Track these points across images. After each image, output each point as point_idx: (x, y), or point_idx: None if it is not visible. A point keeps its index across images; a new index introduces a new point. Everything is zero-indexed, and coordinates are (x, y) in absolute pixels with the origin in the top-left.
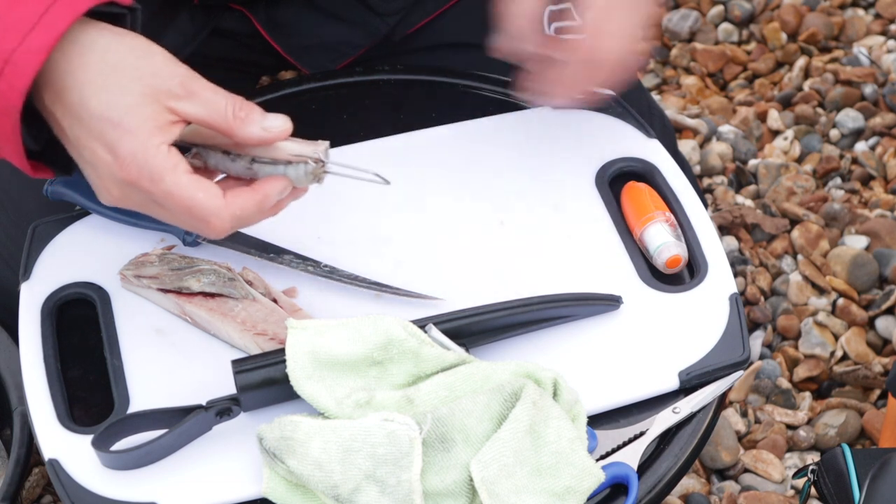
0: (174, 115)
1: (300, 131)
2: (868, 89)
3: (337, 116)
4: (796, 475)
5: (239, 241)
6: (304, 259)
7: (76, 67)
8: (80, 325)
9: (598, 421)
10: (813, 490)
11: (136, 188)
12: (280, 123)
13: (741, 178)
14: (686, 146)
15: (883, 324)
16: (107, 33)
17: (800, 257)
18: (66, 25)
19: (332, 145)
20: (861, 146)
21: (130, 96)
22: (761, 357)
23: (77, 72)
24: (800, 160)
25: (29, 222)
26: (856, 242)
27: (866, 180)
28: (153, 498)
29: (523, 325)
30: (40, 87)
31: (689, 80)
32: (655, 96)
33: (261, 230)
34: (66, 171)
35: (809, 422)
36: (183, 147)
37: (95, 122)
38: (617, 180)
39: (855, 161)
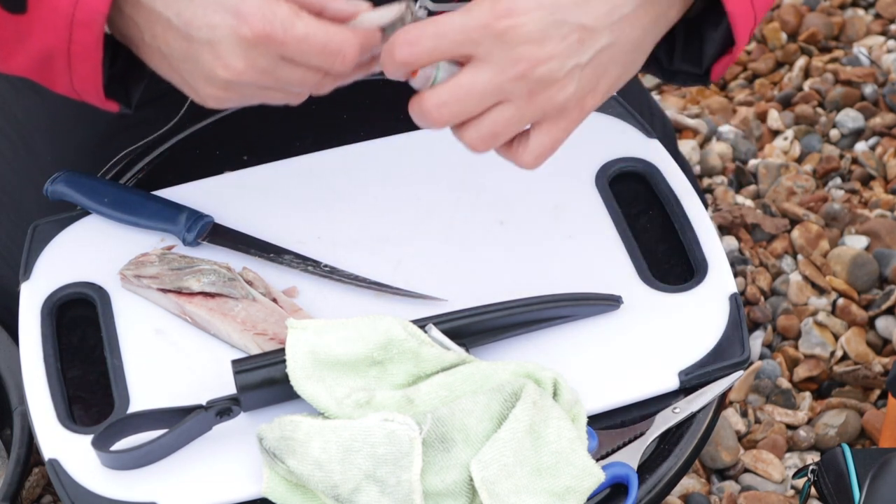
0: None
1: (300, 131)
2: (868, 89)
3: (337, 116)
4: (796, 475)
5: (239, 241)
6: (304, 259)
7: None
8: (80, 325)
9: (598, 421)
10: (813, 490)
11: (266, 45)
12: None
13: (741, 178)
14: (686, 146)
15: (883, 324)
16: None
17: (800, 257)
18: None
19: (333, 145)
20: (861, 146)
21: None
22: (761, 357)
23: None
24: (800, 160)
25: (29, 222)
26: (856, 242)
27: (866, 180)
28: (153, 498)
29: (523, 325)
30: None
31: None
32: (655, 96)
33: (261, 230)
34: (128, 103)
35: (809, 422)
36: None
37: None
38: (617, 180)
39: (855, 161)
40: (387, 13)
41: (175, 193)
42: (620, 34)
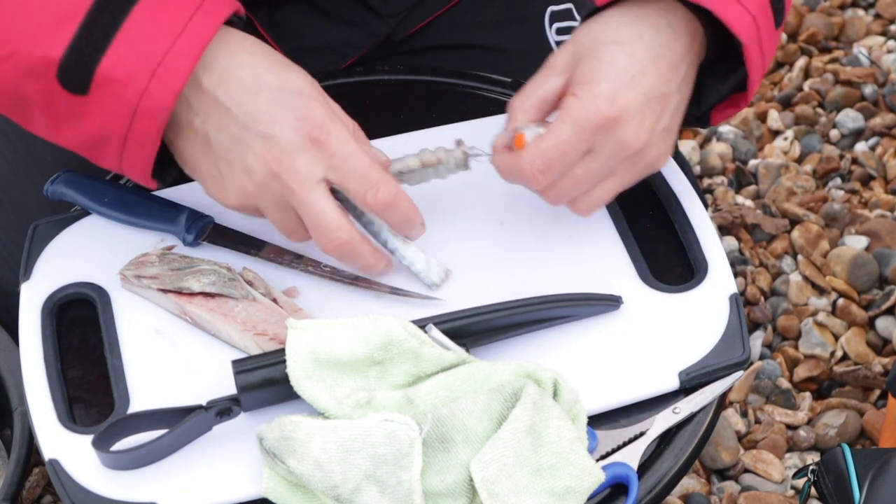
0: None
1: None
2: (868, 89)
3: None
4: (796, 475)
5: (239, 241)
6: (304, 259)
7: (236, 54)
8: (80, 325)
9: (598, 421)
10: (813, 490)
11: (321, 149)
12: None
13: (741, 179)
14: (686, 146)
15: (883, 324)
16: (241, 34)
17: (800, 257)
18: (213, 30)
19: None
20: (861, 146)
21: (301, 79)
22: (761, 357)
23: (240, 55)
24: (800, 160)
25: (29, 222)
26: (856, 242)
27: (866, 180)
28: (153, 498)
29: (523, 325)
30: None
31: None
32: None
33: (261, 230)
34: (163, 180)
35: (809, 422)
36: None
37: (278, 92)
38: None
39: (855, 161)
40: (407, 163)
41: (175, 193)
42: (683, 93)
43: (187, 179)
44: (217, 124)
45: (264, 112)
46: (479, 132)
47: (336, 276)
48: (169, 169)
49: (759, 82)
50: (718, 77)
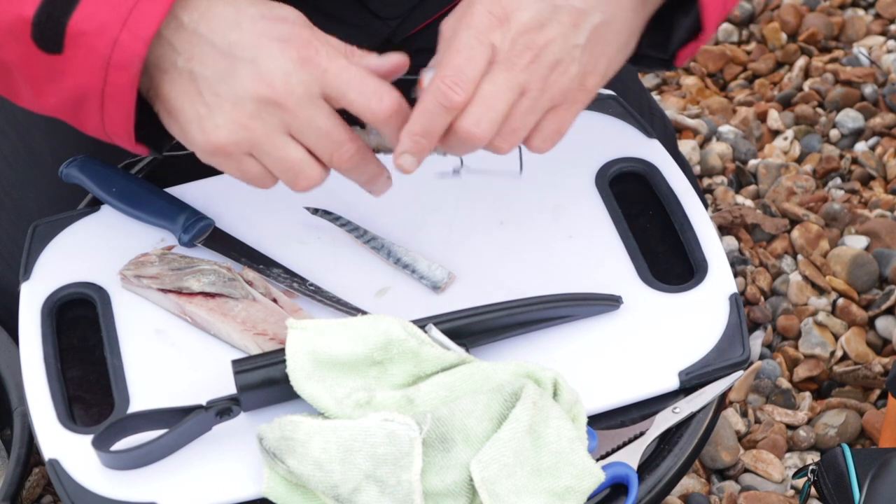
0: None
1: None
2: (868, 89)
3: None
4: (796, 475)
5: (233, 249)
6: (292, 275)
7: None
8: (80, 325)
9: (598, 421)
10: (813, 490)
11: (310, 69)
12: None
13: (741, 178)
14: (686, 146)
15: (883, 324)
16: None
17: (800, 257)
18: None
19: None
20: (861, 146)
21: (284, 8)
22: (761, 357)
23: None
24: (800, 160)
25: (29, 222)
26: (856, 242)
27: (866, 180)
28: (153, 498)
29: (523, 325)
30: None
31: (689, 80)
32: (655, 96)
33: (261, 230)
34: (158, 149)
35: (809, 422)
36: None
37: (260, 21)
38: (617, 180)
39: (855, 161)
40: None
41: (175, 193)
42: (610, 14)
43: (194, 175)
44: (201, 60)
45: (249, 40)
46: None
47: (318, 296)
48: (163, 136)
49: (718, 14)
50: (682, 11)
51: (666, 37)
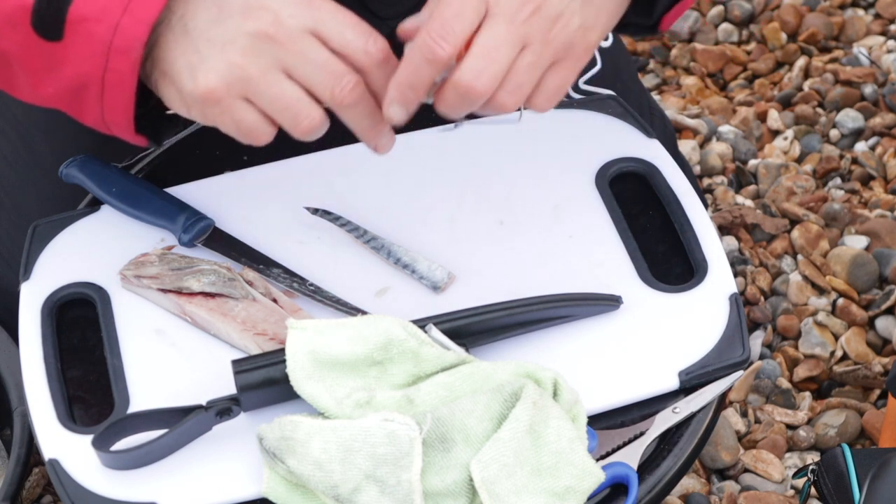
0: None
1: None
2: (868, 89)
3: (337, 116)
4: (796, 475)
5: (233, 249)
6: (291, 275)
7: None
8: (80, 325)
9: (598, 421)
10: (813, 490)
11: (306, 2)
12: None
13: (741, 178)
14: (686, 146)
15: (883, 324)
16: None
17: (800, 257)
18: None
19: (333, 145)
20: (861, 146)
21: None
22: (761, 357)
23: None
24: (800, 160)
25: (29, 222)
26: (856, 242)
27: (866, 180)
28: (153, 498)
29: (523, 325)
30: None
31: (689, 80)
32: (655, 96)
33: (261, 230)
34: (157, 140)
35: (809, 422)
36: None
37: None
38: (617, 180)
39: (855, 161)
40: None
41: (175, 193)
42: None
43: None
44: (194, 13)
45: None
46: (479, 132)
47: (318, 296)
48: (162, 128)
49: None
50: None
51: (651, 3)
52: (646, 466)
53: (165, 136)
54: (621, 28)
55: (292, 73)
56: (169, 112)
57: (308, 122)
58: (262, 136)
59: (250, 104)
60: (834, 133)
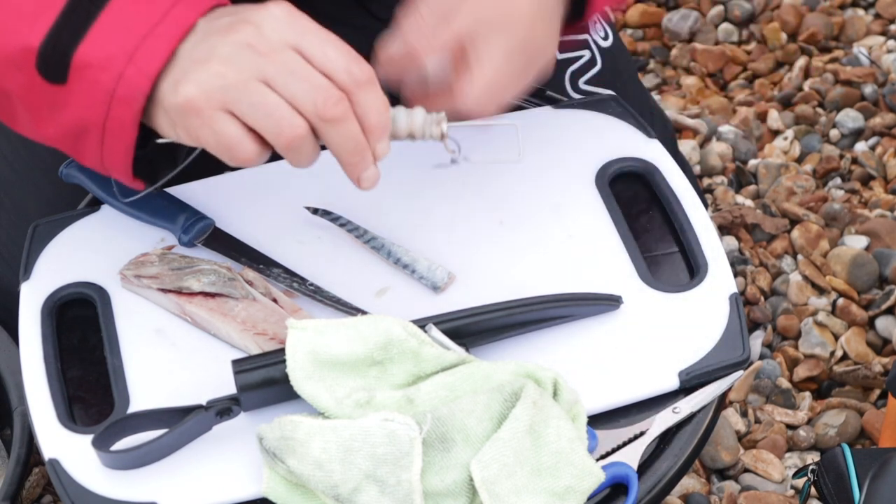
0: None
1: None
2: (868, 89)
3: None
4: (796, 475)
5: (233, 248)
6: (292, 275)
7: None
8: (80, 325)
9: (598, 421)
10: (813, 490)
11: (293, 19)
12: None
13: (741, 178)
14: (686, 146)
15: (883, 324)
16: None
17: (800, 257)
18: (195, 18)
19: None
20: (861, 146)
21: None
22: (761, 357)
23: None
24: (800, 160)
25: (29, 222)
26: (856, 242)
27: (866, 180)
28: (153, 498)
29: (523, 325)
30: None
31: (689, 80)
32: (655, 96)
33: (261, 230)
34: (153, 182)
35: (809, 422)
36: None
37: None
38: (617, 180)
39: (855, 161)
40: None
41: (175, 193)
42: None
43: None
44: (183, 43)
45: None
46: (480, 132)
47: (318, 296)
48: (159, 170)
49: None
50: None
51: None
52: (646, 466)
53: (162, 177)
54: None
55: (274, 83)
56: (160, 141)
57: (291, 132)
58: (244, 151)
59: (232, 117)
60: (834, 133)
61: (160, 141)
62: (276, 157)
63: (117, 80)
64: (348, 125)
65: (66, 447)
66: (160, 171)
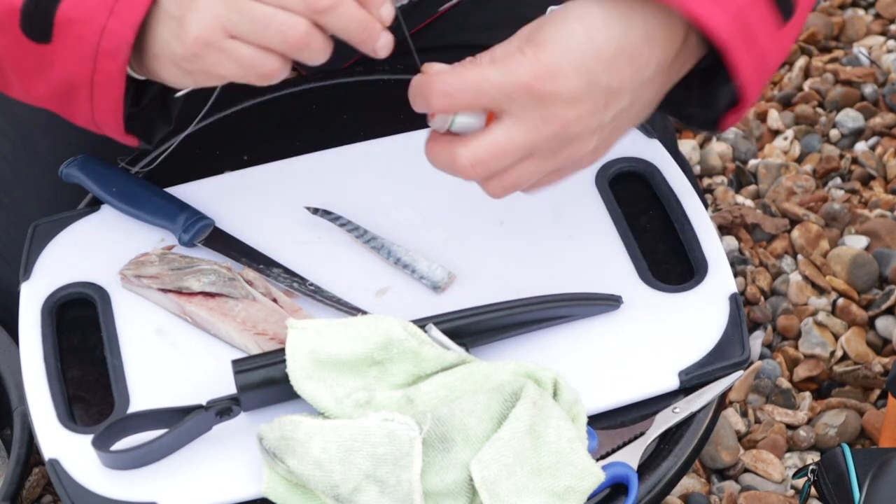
0: None
1: (300, 131)
2: (868, 89)
3: (337, 116)
4: (796, 475)
5: (233, 248)
6: (292, 275)
7: None
8: (80, 325)
9: (598, 421)
10: (813, 490)
11: None
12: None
13: (741, 178)
14: (686, 146)
15: (883, 324)
16: None
17: (800, 257)
18: None
19: (333, 145)
20: (861, 146)
21: None
22: (761, 357)
23: None
24: (800, 160)
25: (29, 222)
26: (856, 242)
27: (866, 180)
28: (153, 498)
29: (523, 325)
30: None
31: None
32: None
33: (261, 230)
34: (149, 140)
35: (809, 422)
36: None
37: None
38: (617, 180)
39: (855, 161)
40: None
41: (175, 193)
42: (639, 96)
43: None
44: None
45: None
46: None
47: (318, 296)
48: (154, 126)
49: (758, 85)
50: (722, 79)
51: (713, 100)
52: (646, 466)
53: (157, 134)
54: (686, 120)
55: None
56: (179, 94)
57: (294, 32)
58: (268, 65)
59: (240, 40)
60: (834, 133)
61: (179, 94)
62: (276, 156)
63: (100, 33)
64: (344, 7)
65: (66, 447)
66: (154, 128)
